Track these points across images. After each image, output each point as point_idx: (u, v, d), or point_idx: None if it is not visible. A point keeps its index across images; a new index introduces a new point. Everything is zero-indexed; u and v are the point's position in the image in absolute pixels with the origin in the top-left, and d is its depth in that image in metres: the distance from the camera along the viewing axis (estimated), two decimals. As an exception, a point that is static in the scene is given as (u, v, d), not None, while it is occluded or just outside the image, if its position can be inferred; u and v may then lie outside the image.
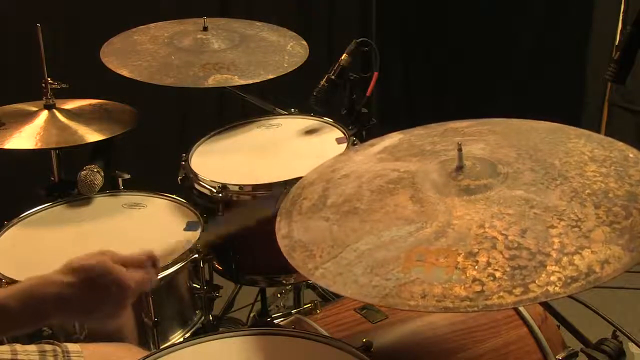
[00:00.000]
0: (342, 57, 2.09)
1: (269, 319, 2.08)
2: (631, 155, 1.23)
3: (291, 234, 1.23)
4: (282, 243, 1.22)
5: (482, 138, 1.36)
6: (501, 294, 0.99)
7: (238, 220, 1.39)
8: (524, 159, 1.25)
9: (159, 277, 1.61)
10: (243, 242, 1.89)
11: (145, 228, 1.83)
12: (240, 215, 1.42)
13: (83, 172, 1.91)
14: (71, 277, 1.12)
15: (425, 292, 1.01)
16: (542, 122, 1.41)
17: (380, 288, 1.04)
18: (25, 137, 1.94)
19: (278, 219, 1.29)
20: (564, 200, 1.12)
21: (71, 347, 1.40)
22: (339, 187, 1.31)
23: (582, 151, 1.25)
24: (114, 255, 1.17)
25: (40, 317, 1.12)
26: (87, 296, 1.12)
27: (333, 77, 2.08)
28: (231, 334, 1.31)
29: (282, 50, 2.18)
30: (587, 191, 1.14)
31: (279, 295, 2.34)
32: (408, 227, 1.13)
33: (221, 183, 1.84)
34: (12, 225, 1.84)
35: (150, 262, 1.21)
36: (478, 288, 1.00)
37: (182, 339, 1.73)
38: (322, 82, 2.08)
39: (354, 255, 1.11)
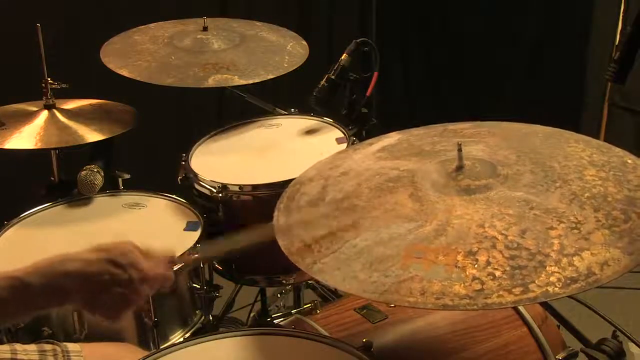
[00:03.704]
0: (342, 57, 2.09)
1: (269, 319, 2.08)
2: (629, 161, 1.24)
3: (289, 229, 1.23)
4: (280, 238, 1.22)
5: (481, 140, 1.36)
6: (501, 293, 0.99)
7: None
8: (523, 161, 1.25)
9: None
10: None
11: (145, 228, 1.83)
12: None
13: (83, 172, 1.91)
14: (94, 255, 1.14)
15: (424, 289, 1.01)
16: (540, 126, 1.42)
17: (379, 284, 1.04)
18: (25, 137, 1.94)
19: (276, 213, 1.29)
20: (563, 202, 1.12)
21: (71, 347, 1.40)
22: (338, 185, 1.31)
23: (581, 156, 1.26)
24: (137, 245, 1.18)
25: (60, 295, 1.12)
26: (105, 276, 1.13)
27: (333, 77, 2.07)
28: (231, 334, 1.31)
29: (282, 50, 2.18)
30: (586, 194, 1.14)
31: (279, 295, 2.34)
32: (407, 224, 1.13)
33: (221, 183, 1.84)
34: (12, 225, 1.84)
35: (170, 265, 1.22)
36: (478, 287, 1.00)
37: (182, 339, 1.73)
38: (322, 82, 2.07)
39: (353, 251, 1.11)
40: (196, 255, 1.38)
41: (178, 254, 1.25)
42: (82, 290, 1.13)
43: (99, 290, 1.13)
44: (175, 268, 1.25)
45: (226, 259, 1.94)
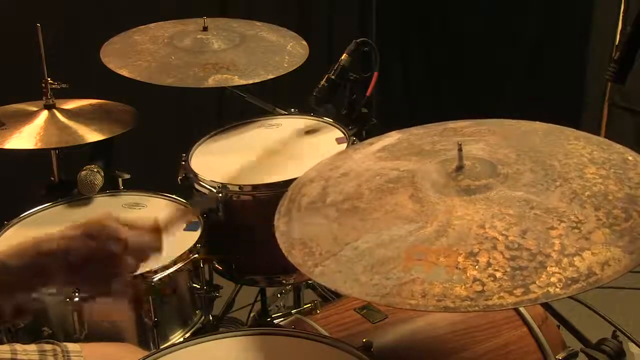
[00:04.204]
0: (342, 57, 2.09)
1: (269, 319, 2.08)
2: (630, 157, 1.24)
3: (290, 231, 1.23)
4: (281, 240, 1.22)
5: (481, 138, 1.36)
6: (502, 294, 0.99)
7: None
8: (523, 160, 1.25)
9: (157, 277, 1.63)
10: (243, 242, 1.89)
11: (145, 228, 1.83)
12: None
13: (83, 172, 1.91)
14: (69, 232, 1.13)
15: (425, 291, 1.01)
16: (541, 123, 1.41)
17: (380, 287, 1.04)
18: (25, 137, 1.94)
19: (277, 216, 1.29)
20: (563, 201, 1.12)
21: (71, 347, 1.40)
22: (339, 186, 1.31)
23: (581, 153, 1.25)
24: (117, 217, 1.17)
25: (40, 275, 1.11)
26: (83, 250, 1.11)
27: (333, 77, 2.07)
28: (231, 334, 1.31)
29: (282, 50, 2.18)
30: (587, 193, 1.14)
31: (279, 295, 2.34)
32: (408, 226, 1.13)
33: (221, 183, 1.84)
34: (12, 225, 1.84)
35: (156, 231, 1.21)
36: (479, 288, 1.00)
37: (182, 339, 1.73)
38: (322, 82, 2.07)
39: (354, 254, 1.11)
40: (181, 212, 1.36)
41: (162, 222, 1.23)
42: (63, 269, 1.12)
43: (79, 266, 1.12)
44: (164, 233, 1.22)
45: (226, 259, 1.94)
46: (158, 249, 1.21)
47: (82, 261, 1.12)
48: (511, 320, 1.50)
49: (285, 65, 2.10)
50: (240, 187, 1.84)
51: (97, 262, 1.13)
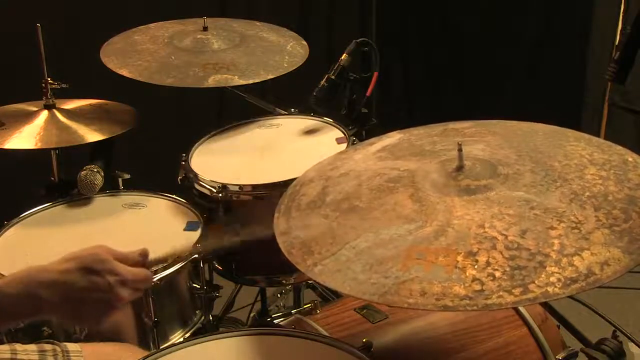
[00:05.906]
0: (342, 57, 2.09)
1: (269, 319, 2.08)
2: (630, 159, 1.24)
3: (290, 230, 1.23)
4: (280, 239, 1.22)
5: (482, 139, 1.36)
6: (501, 293, 0.99)
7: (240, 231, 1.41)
8: (524, 161, 1.25)
9: (157, 277, 1.63)
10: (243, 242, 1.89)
11: (145, 228, 1.83)
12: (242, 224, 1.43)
13: (83, 172, 1.91)
14: (67, 265, 1.14)
15: (424, 290, 1.01)
16: (541, 124, 1.41)
17: (379, 285, 1.04)
18: (25, 137, 1.94)
19: (276, 215, 1.29)
20: (563, 202, 1.12)
21: (71, 347, 1.40)
22: (338, 185, 1.31)
23: (581, 154, 1.26)
24: (109, 249, 1.18)
25: (36, 306, 1.13)
26: (83, 284, 1.13)
27: (333, 77, 2.07)
28: (231, 334, 1.31)
29: (282, 50, 2.18)
30: (586, 194, 1.14)
31: (279, 295, 2.34)
32: (408, 225, 1.13)
33: (221, 183, 1.84)
34: (12, 225, 1.84)
35: (144, 261, 1.22)
36: (477, 287, 1.00)
37: (182, 339, 1.73)
38: (322, 82, 2.07)
39: (353, 253, 1.11)
40: (172, 252, 1.38)
41: (152, 253, 1.25)
42: (62, 302, 1.13)
43: (79, 299, 1.14)
44: (153, 268, 1.24)
45: (226, 258, 1.94)
46: (150, 282, 1.23)
47: (82, 295, 1.13)
48: (511, 320, 1.50)
49: (285, 65, 2.10)
50: (240, 187, 1.84)
51: (96, 295, 1.14)
